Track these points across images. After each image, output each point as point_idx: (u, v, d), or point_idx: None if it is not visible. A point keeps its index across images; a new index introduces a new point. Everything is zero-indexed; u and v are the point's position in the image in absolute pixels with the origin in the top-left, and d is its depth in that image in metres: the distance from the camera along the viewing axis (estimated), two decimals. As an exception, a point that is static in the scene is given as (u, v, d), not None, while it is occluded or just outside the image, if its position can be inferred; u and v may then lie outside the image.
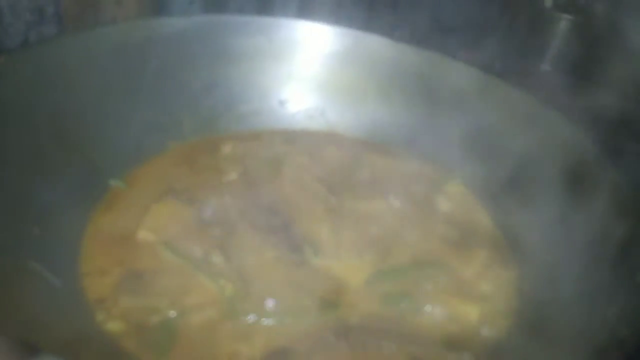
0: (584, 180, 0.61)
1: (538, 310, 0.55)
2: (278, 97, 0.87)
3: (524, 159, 0.73)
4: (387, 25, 1.01)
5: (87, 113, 0.69)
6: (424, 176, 0.81)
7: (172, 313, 0.53)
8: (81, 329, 0.50)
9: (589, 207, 0.60)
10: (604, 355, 0.37)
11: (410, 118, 0.86)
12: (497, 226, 0.71)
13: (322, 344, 0.53)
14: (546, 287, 0.57)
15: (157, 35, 0.75)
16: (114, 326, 0.51)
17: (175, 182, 0.70)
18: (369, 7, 1.10)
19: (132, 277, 0.57)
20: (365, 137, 0.87)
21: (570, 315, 0.48)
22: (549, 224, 0.65)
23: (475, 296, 0.60)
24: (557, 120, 0.71)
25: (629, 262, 0.47)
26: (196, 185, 0.70)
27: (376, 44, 0.85)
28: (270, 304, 0.56)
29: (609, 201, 0.55)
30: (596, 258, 0.53)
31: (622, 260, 0.48)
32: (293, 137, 0.84)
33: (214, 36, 0.80)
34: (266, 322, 0.54)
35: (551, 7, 1.20)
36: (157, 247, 0.61)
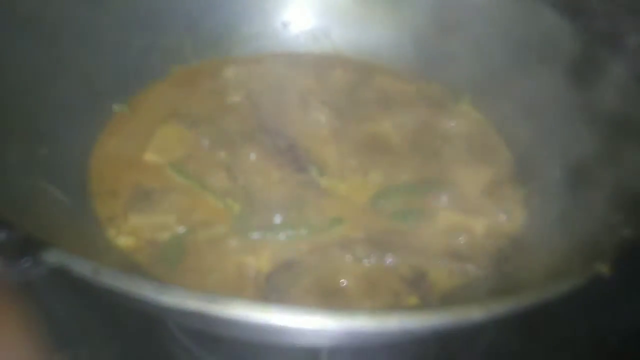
0: (589, 80, 0.59)
1: (543, 222, 0.55)
2: (281, 18, 0.83)
3: (537, 80, 0.71)
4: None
5: (86, 36, 0.67)
6: (432, 97, 0.79)
7: (181, 229, 0.55)
8: (93, 244, 0.52)
9: (596, 111, 0.58)
10: (607, 256, 0.37)
11: (418, 38, 0.83)
12: (506, 145, 0.70)
13: (328, 256, 0.55)
14: (554, 203, 0.57)
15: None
16: (125, 241, 0.53)
17: (179, 105, 0.70)
18: None
19: (140, 196, 0.58)
20: (372, 59, 0.84)
21: (578, 226, 0.48)
22: (557, 140, 0.64)
23: (481, 211, 0.60)
24: (561, 26, 0.67)
25: (632, 176, 0.46)
26: (200, 108, 0.69)
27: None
28: (276, 220, 0.57)
29: (616, 100, 0.54)
30: (603, 173, 0.52)
31: (628, 169, 0.47)
32: (297, 60, 0.82)
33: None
34: (273, 237, 0.56)
35: None
36: (164, 168, 0.61)
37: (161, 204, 0.56)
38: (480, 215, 0.59)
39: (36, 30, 0.60)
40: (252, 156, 0.63)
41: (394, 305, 0.49)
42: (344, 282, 0.53)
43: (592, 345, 0.57)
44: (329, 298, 0.50)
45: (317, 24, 0.84)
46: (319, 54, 0.85)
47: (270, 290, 0.50)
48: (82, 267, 0.35)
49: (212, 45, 0.79)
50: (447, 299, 0.50)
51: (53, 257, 0.35)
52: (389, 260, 0.54)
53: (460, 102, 0.77)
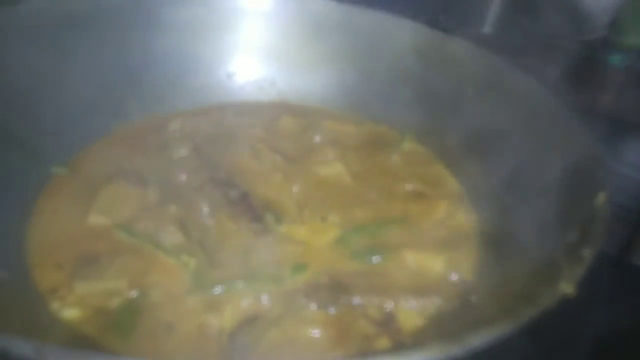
0: (534, 115, 0.62)
1: (500, 248, 0.56)
2: (225, 69, 0.84)
3: (477, 112, 0.74)
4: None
5: (19, 97, 0.64)
6: (379, 137, 0.81)
7: (133, 293, 0.51)
8: (35, 319, 0.47)
9: (542, 143, 0.61)
10: (571, 276, 0.38)
11: (361, 81, 0.86)
12: (454, 177, 0.72)
13: (293, 306, 0.52)
14: (507, 226, 0.58)
15: (89, 9, 0.71)
16: (70, 313, 0.49)
17: (123, 163, 0.67)
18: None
19: (86, 262, 0.54)
20: (318, 104, 0.86)
21: (533, 244, 0.49)
22: (504, 166, 0.66)
23: (440, 245, 0.60)
24: (510, 73, 0.72)
25: (585, 188, 0.49)
26: (145, 164, 0.67)
27: (321, 7, 0.83)
28: (236, 272, 0.54)
29: (560, 135, 0.57)
30: (554, 190, 0.55)
31: (579, 187, 0.49)
32: (244, 110, 0.82)
33: (153, 9, 0.76)
34: (233, 291, 0.53)
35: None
36: (110, 231, 0.58)
37: (109, 268, 0.53)
38: (439, 248, 0.60)
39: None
40: (205, 209, 0.61)
41: (366, 350, 0.48)
42: (312, 331, 0.50)
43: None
44: (298, 351, 0.47)
45: (262, 73, 0.85)
46: (266, 102, 0.85)
47: (235, 349, 0.47)
48: (21, 348, 0.31)
49: (155, 101, 0.78)
50: (418, 337, 0.49)
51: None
52: (356, 302, 0.53)
53: (405, 140, 0.79)
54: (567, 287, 0.37)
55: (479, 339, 0.32)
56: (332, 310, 0.52)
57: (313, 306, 0.53)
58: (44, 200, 0.61)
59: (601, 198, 0.45)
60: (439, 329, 0.50)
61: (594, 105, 1.06)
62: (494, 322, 0.34)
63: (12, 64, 0.63)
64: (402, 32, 0.82)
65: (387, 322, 0.51)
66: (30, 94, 0.65)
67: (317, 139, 0.78)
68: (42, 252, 0.55)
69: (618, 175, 1.06)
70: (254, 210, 0.63)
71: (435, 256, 0.58)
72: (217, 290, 0.53)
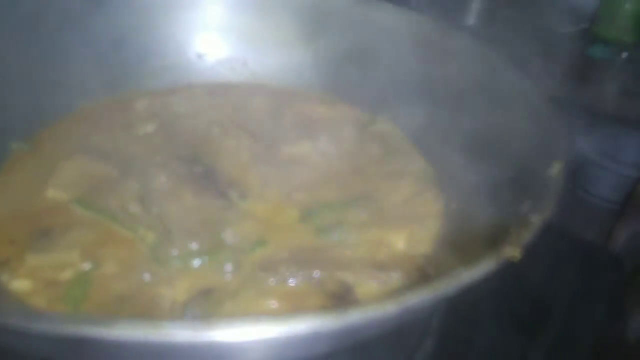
0: (498, 91, 0.62)
1: (460, 223, 0.56)
2: (195, 49, 0.83)
3: (447, 90, 0.74)
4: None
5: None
6: (350, 119, 0.80)
7: (86, 265, 0.50)
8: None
9: (505, 126, 0.61)
10: (517, 240, 0.37)
11: (334, 63, 0.84)
12: (423, 156, 0.72)
13: (250, 279, 0.52)
14: (469, 204, 0.58)
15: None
16: (19, 285, 0.48)
17: (86, 140, 0.66)
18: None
19: (39, 235, 0.53)
20: (290, 86, 0.85)
21: (488, 220, 0.49)
22: (472, 149, 0.66)
23: (403, 221, 0.60)
24: (472, 46, 0.71)
25: (538, 163, 0.48)
26: (108, 141, 0.66)
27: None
28: (194, 247, 0.54)
29: (520, 111, 0.57)
30: (510, 170, 0.54)
31: (538, 159, 0.49)
32: (214, 90, 0.81)
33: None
34: (190, 265, 0.52)
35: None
36: (68, 205, 0.57)
37: (63, 240, 0.52)
38: (401, 225, 0.59)
39: None
40: (166, 184, 0.60)
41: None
42: (267, 304, 0.50)
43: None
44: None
45: (233, 53, 0.84)
46: (237, 82, 0.84)
47: (188, 318, 0.46)
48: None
49: (122, 80, 0.77)
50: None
51: None
52: (315, 275, 0.52)
53: (378, 122, 0.79)
54: (512, 251, 0.36)
55: (415, 298, 0.32)
56: (290, 284, 0.52)
57: (271, 280, 0.52)
58: (1, 175, 0.60)
59: (556, 167, 0.45)
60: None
61: (574, 97, 1.06)
62: (433, 283, 0.33)
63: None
64: (376, 14, 0.82)
65: (344, 295, 0.51)
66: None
67: (288, 119, 0.77)
68: (-4, 225, 0.54)
69: (599, 167, 1.06)
70: (217, 186, 0.62)
71: (397, 232, 0.58)
72: (174, 263, 0.52)
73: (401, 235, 0.58)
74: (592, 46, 1.26)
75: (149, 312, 0.47)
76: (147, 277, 0.50)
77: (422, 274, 0.52)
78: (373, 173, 0.69)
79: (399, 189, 0.66)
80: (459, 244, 0.52)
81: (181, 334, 0.28)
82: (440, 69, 0.72)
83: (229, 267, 0.53)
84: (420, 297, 0.32)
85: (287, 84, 0.85)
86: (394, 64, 0.80)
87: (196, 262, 0.53)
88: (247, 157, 0.68)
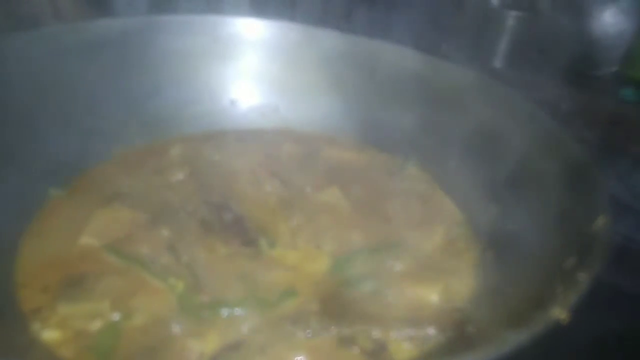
0: (534, 150, 0.61)
1: (498, 276, 0.54)
2: (228, 96, 0.85)
3: (477, 138, 0.73)
4: (341, 17, 1.00)
5: (22, 119, 0.65)
6: (380, 164, 0.79)
7: (115, 315, 0.50)
8: (14, 340, 0.46)
9: (541, 175, 0.59)
10: (564, 302, 0.35)
11: (364, 110, 0.85)
12: (455, 203, 0.70)
13: (280, 333, 0.50)
14: (505, 255, 0.55)
15: (97, 38, 0.73)
16: (50, 334, 0.47)
17: (121, 187, 0.67)
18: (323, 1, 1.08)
19: (71, 283, 0.53)
20: (320, 132, 0.85)
21: (530, 274, 0.47)
22: (506, 197, 0.64)
23: (436, 273, 0.58)
24: (508, 97, 0.70)
25: (586, 212, 0.46)
26: (142, 188, 0.67)
27: (325, 37, 0.84)
28: (224, 297, 0.53)
29: (558, 167, 0.55)
30: (550, 220, 0.52)
31: (580, 212, 0.47)
32: (246, 136, 0.82)
33: (156, 37, 0.78)
34: (219, 316, 0.51)
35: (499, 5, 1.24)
36: (100, 252, 0.57)
37: (94, 289, 0.52)
38: (435, 277, 0.57)
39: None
40: (197, 233, 0.60)
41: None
42: (298, 359, 0.48)
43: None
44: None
45: (265, 100, 0.86)
46: (268, 129, 0.85)
47: (215, 375, 0.45)
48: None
49: (158, 127, 0.79)
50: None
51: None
52: (346, 330, 0.50)
53: (407, 167, 0.78)
54: (560, 313, 0.34)
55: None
56: (320, 339, 0.50)
57: (300, 334, 0.50)
58: (39, 221, 0.61)
59: (601, 221, 0.43)
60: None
61: (606, 140, 1.04)
62: (479, 347, 0.31)
63: (18, 87, 0.65)
64: (405, 61, 0.82)
65: (377, 352, 0.49)
66: (33, 116, 0.66)
67: (318, 165, 0.77)
68: (30, 273, 0.54)
69: (628, 208, 1.02)
70: (247, 233, 0.62)
71: (431, 284, 0.56)
72: (203, 314, 0.51)
73: (436, 288, 0.56)
74: (624, 88, 1.23)
75: (176, 366, 0.46)
76: (176, 328, 0.50)
77: (460, 331, 0.50)
78: (404, 220, 0.68)
79: (431, 236, 0.64)
80: (498, 299, 0.50)
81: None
82: (472, 116, 0.71)
83: (257, 319, 0.52)
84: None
85: (317, 130, 0.85)
86: (425, 110, 0.80)
87: (225, 312, 0.52)
88: (276, 204, 0.68)
